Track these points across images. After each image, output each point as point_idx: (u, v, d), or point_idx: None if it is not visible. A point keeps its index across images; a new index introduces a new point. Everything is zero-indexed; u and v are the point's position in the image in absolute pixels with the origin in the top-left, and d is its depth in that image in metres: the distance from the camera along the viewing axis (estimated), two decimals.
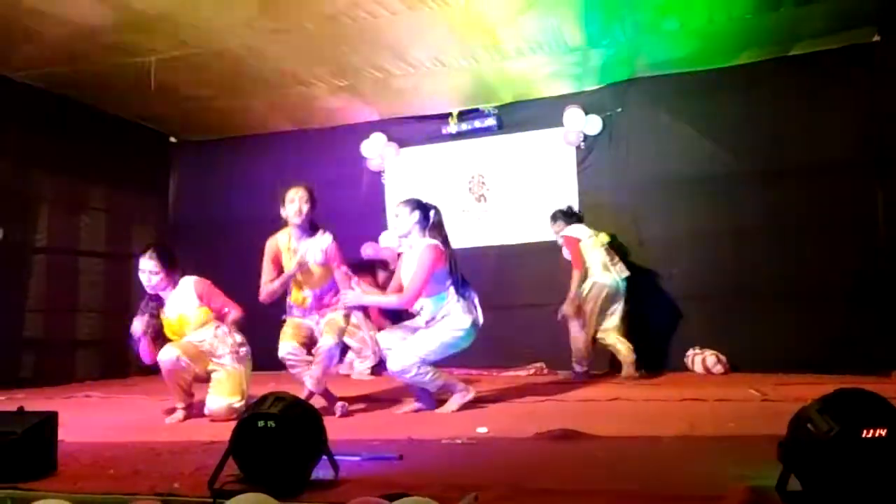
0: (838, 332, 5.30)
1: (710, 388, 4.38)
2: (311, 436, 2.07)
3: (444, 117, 6.77)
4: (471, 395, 3.87)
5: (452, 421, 3.49)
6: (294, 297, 3.96)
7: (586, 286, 5.38)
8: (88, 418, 3.88)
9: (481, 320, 3.89)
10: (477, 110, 6.77)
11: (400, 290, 3.91)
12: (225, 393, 3.72)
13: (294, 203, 3.86)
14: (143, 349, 3.86)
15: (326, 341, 3.80)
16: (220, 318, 3.86)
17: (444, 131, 6.82)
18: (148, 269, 3.78)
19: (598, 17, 5.07)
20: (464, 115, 6.80)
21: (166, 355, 3.70)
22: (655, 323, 5.93)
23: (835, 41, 5.45)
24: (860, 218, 5.43)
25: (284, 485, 1.93)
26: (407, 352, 3.73)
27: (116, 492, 2.01)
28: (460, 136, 6.77)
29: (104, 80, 5.85)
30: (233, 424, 2.08)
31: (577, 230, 5.58)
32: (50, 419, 2.33)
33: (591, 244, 5.51)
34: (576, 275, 5.39)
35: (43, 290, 6.11)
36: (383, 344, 3.86)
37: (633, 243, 6.13)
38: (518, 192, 6.68)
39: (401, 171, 7.05)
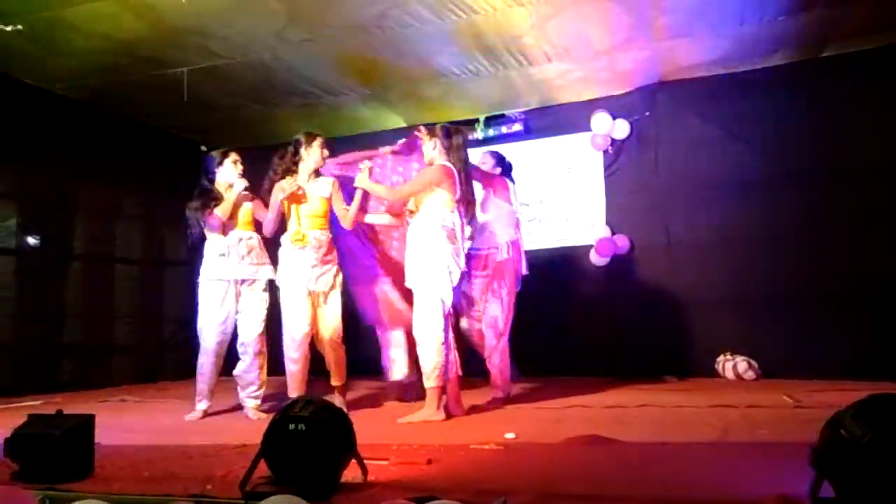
0: (874, 337, 5.18)
1: (741, 395, 4.32)
2: (340, 439, 2.09)
3: (471, 123, 6.78)
4: (439, 418, 3.69)
5: (481, 426, 3.49)
6: (293, 234, 4.06)
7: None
8: (124, 422, 3.96)
9: (462, 264, 3.87)
10: (504, 116, 6.78)
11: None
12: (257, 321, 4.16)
13: (320, 149, 4.16)
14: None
15: (338, 327, 4.10)
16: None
17: (471, 137, 6.82)
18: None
19: (627, 21, 5.05)
20: (491, 121, 6.81)
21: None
22: (685, 328, 5.87)
23: (868, 42, 5.36)
24: (895, 222, 5.31)
25: (314, 487, 1.95)
26: (420, 302, 3.77)
27: (151, 493, 2.06)
28: (487, 141, 6.77)
29: (139, 91, 5.99)
30: (264, 427, 2.11)
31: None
32: (87, 422, 2.39)
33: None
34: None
35: (80, 296, 6.26)
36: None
37: (663, 247, 6.07)
38: (545, 197, 6.67)
39: None
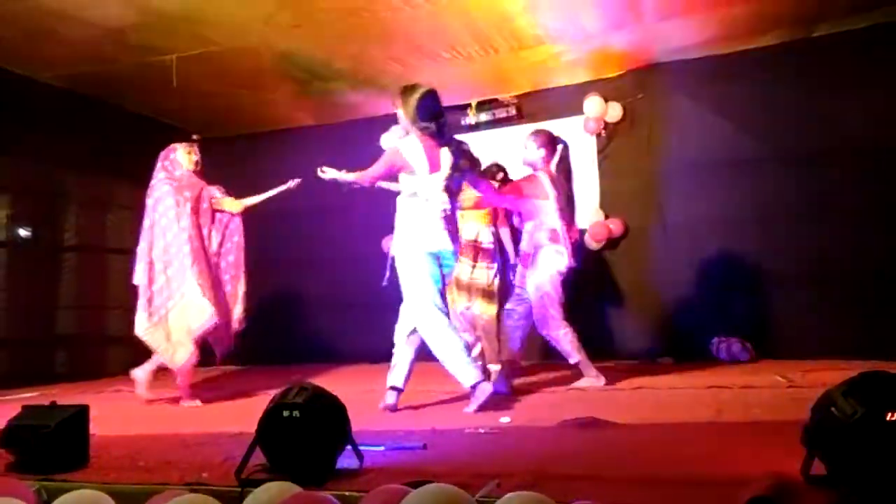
0: (867, 317, 5.20)
1: (735, 376, 4.34)
2: (335, 425, 2.10)
3: (464, 108, 6.75)
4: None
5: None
6: None
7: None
8: (119, 412, 3.97)
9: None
10: (496, 100, 6.75)
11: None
12: None
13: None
14: None
15: None
16: None
17: (463, 122, 6.78)
18: None
19: (618, 3, 5.02)
20: (483, 106, 6.77)
21: None
22: (680, 310, 5.89)
23: (859, 21, 5.34)
24: (888, 201, 5.31)
25: (310, 473, 1.96)
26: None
27: (147, 482, 2.06)
28: (480, 126, 6.75)
29: (127, 79, 5.94)
30: (259, 415, 2.11)
31: None
32: (81, 413, 2.39)
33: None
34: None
35: (73, 287, 6.25)
36: None
37: (657, 230, 6.08)
38: None
39: None
